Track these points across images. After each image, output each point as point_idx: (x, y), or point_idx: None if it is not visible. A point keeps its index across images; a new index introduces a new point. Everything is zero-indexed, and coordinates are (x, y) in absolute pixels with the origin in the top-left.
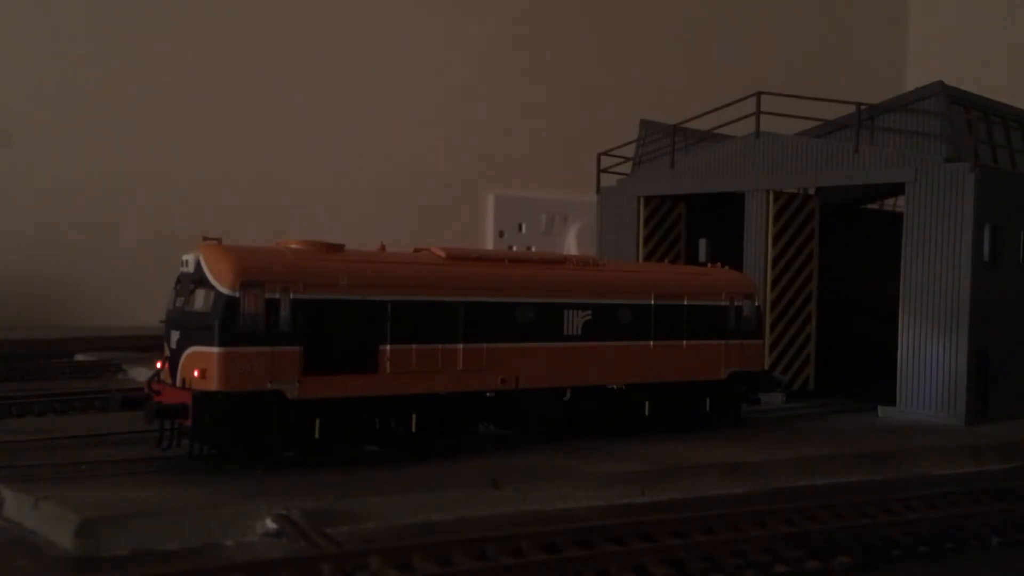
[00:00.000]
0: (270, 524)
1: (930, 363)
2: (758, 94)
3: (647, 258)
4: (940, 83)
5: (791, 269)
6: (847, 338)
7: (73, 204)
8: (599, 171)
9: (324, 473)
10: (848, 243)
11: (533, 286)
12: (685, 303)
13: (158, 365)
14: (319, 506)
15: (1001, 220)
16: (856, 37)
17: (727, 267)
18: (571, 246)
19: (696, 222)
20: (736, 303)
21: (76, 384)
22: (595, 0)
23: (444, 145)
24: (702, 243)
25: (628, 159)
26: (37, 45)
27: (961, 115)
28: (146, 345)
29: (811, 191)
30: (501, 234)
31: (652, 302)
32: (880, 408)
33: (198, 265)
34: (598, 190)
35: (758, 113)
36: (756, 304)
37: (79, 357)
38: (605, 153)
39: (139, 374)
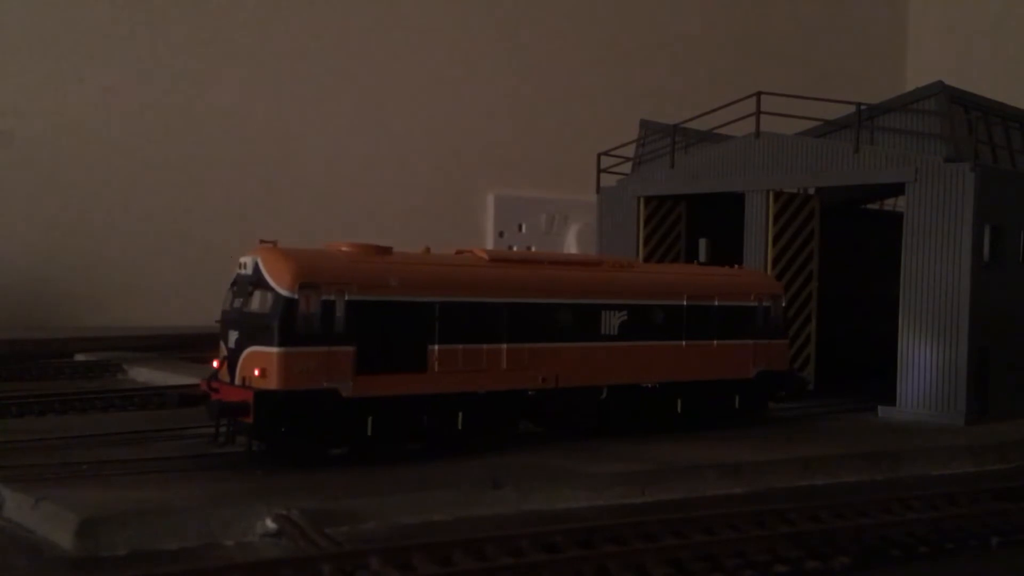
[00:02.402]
0: (270, 524)
1: (930, 363)
2: (758, 94)
3: (647, 258)
4: (940, 83)
5: (791, 269)
6: (847, 338)
7: (74, 204)
8: (599, 171)
9: (324, 473)
10: (848, 243)
11: (573, 287)
12: (716, 304)
13: (214, 364)
14: (319, 506)
15: (1001, 220)
16: (856, 37)
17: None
18: (571, 246)
19: (696, 222)
20: (764, 303)
21: (76, 384)
22: (595, 0)
23: (444, 145)
24: (702, 243)
25: (628, 159)
26: (38, 44)
27: (961, 115)
28: (146, 345)
29: (811, 191)
30: (501, 234)
31: (685, 303)
32: (880, 408)
33: (256, 267)
34: (598, 190)
35: (758, 113)
36: (783, 304)
37: (79, 357)
38: (605, 153)
39: (139, 374)
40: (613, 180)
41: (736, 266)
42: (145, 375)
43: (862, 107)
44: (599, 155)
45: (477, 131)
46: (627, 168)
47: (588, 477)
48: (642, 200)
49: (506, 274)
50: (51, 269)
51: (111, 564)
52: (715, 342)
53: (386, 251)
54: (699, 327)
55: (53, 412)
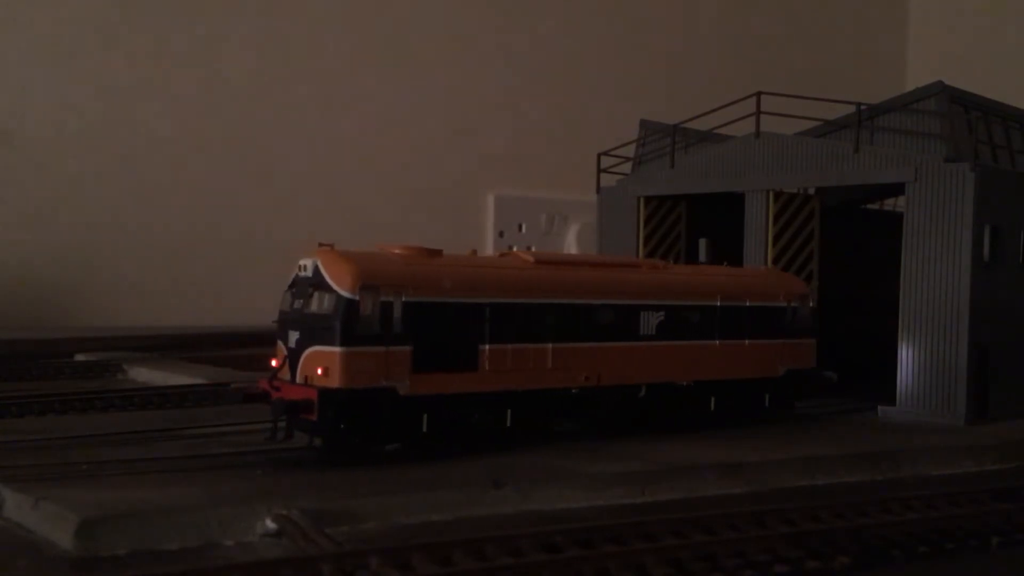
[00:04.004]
0: (270, 524)
1: (930, 363)
2: (758, 94)
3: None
4: (940, 83)
5: (791, 269)
6: (847, 338)
7: (74, 204)
8: (599, 171)
9: (324, 473)
10: (848, 243)
11: (614, 289)
12: (747, 304)
13: (273, 363)
14: (319, 506)
15: (1001, 220)
16: (856, 37)
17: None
18: (571, 246)
19: (696, 222)
20: (792, 304)
21: (76, 384)
22: (595, 0)
23: (444, 145)
24: (702, 243)
25: (628, 159)
26: (38, 44)
27: (961, 115)
28: (146, 345)
29: (811, 191)
30: (501, 234)
31: (718, 303)
32: (880, 408)
33: (316, 269)
34: (598, 190)
35: (758, 113)
36: (811, 304)
37: (79, 357)
38: (605, 153)
39: (139, 374)
40: (613, 180)
41: (765, 266)
42: (145, 375)
43: (862, 107)
44: (599, 155)
45: (477, 131)
46: (627, 168)
47: (588, 477)
48: (642, 200)
49: (551, 276)
50: (51, 269)
51: (111, 564)
52: (747, 341)
53: (437, 254)
54: (732, 327)
55: (53, 412)
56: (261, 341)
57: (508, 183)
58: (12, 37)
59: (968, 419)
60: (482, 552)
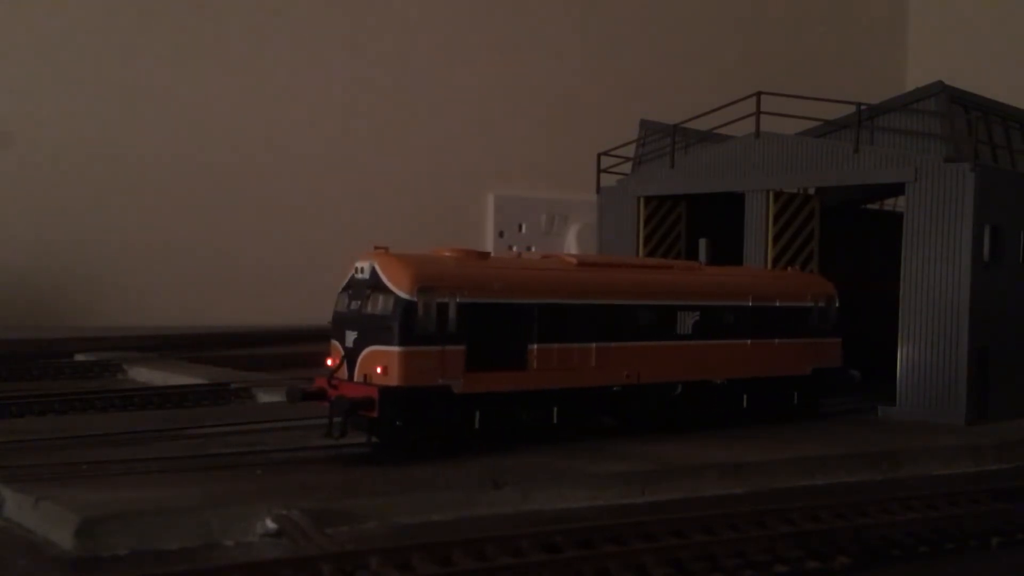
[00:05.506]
0: (270, 524)
1: (930, 363)
2: (758, 94)
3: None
4: (940, 83)
5: None
6: (847, 338)
7: (73, 204)
8: (599, 171)
9: (324, 473)
10: (848, 243)
11: (653, 290)
12: (777, 304)
13: (329, 363)
14: (319, 506)
15: (1001, 220)
16: (856, 37)
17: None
18: (571, 246)
19: (696, 222)
20: (819, 304)
21: (76, 384)
22: (596, 0)
23: (444, 145)
24: (702, 243)
25: (628, 159)
26: (38, 44)
27: (961, 115)
28: (146, 345)
29: (811, 191)
30: (501, 234)
31: (750, 303)
32: (880, 408)
33: (373, 271)
34: (598, 190)
35: (758, 113)
36: (836, 305)
37: (79, 357)
38: (605, 153)
39: (139, 374)
40: (613, 180)
41: (789, 267)
42: (145, 375)
43: (862, 107)
44: (599, 155)
45: (477, 131)
46: (627, 168)
47: (588, 477)
48: (642, 200)
49: (594, 278)
50: (51, 269)
51: (111, 564)
52: (776, 341)
53: (485, 256)
54: (763, 326)
55: (53, 412)
56: (261, 341)
57: (508, 183)
58: (13, 38)
59: (968, 419)
60: (482, 552)
